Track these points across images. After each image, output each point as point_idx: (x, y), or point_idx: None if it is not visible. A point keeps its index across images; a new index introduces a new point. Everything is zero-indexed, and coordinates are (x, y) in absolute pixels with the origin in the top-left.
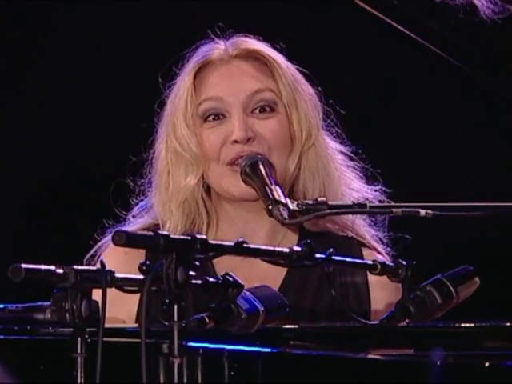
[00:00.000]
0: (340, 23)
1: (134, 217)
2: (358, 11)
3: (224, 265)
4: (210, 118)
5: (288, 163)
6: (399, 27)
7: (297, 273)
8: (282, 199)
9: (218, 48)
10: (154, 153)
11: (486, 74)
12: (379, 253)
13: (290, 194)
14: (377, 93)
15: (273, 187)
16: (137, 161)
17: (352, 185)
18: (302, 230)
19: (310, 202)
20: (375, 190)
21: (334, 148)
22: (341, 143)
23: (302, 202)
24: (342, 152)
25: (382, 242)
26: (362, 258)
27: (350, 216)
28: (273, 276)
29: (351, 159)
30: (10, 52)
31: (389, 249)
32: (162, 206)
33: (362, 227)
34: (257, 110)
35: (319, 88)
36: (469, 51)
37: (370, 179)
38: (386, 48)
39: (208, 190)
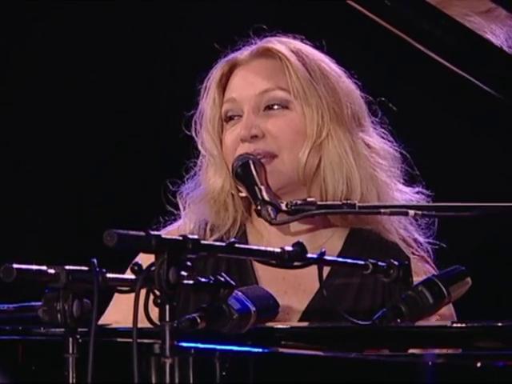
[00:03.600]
0: (335, 23)
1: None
2: (351, 11)
3: (264, 265)
4: (229, 120)
5: (299, 158)
6: (392, 28)
7: (336, 277)
8: (271, 200)
9: (247, 49)
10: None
11: (481, 76)
12: (426, 261)
13: (311, 191)
14: (369, 91)
15: (262, 187)
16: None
17: (391, 185)
18: (350, 234)
19: (299, 201)
20: (416, 193)
21: (371, 146)
22: (389, 141)
23: (290, 202)
24: (382, 151)
25: (421, 245)
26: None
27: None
28: (312, 278)
29: (402, 160)
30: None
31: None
32: (187, 203)
33: (393, 227)
34: (267, 109)
35: (360, 85)
36: (462, 52)
37: (409, 181)
38: (380, 47)
39: None
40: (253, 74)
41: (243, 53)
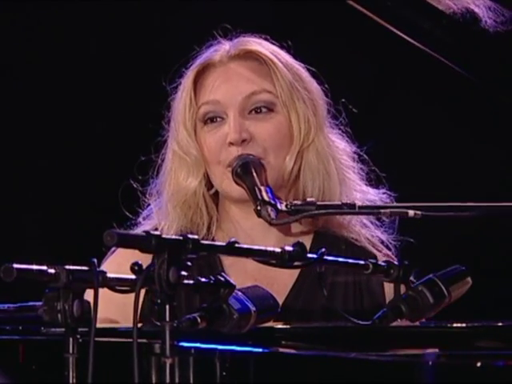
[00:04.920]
0: (333, 23)
1: (144, 219)
2: (351, 11)
3: (234, 265)
4: (209, 121)
5: (285, 162)
6: (393, 28)
7: (309, 275)
8: (271, 200)
9: (220, 49)
10: (163, 155)
11: (480, 75)
12: (391, 258)
13: (290, 193)
14: (369, 91)
15: (262, 188)
16: (146, 162)
17: (356, 187)
18: (315, 237)
19: (299, 202)
20: (383, 193)
21: (338, 148)
22: (352, 143)
23: (290, 203)
24: (348, 153)
25: (382, 243)
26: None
27: (347, 217)
28: (284, 279)
29: (361, 161)
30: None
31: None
32: (160, 206)
33: (357, 227)
34: (254, 112)
35: (326, 86)
36: (461, 52)
37: (374, 181)
38: (380, 47)
39: (217, 192)
40: (236, 76)
41: (218, 53)
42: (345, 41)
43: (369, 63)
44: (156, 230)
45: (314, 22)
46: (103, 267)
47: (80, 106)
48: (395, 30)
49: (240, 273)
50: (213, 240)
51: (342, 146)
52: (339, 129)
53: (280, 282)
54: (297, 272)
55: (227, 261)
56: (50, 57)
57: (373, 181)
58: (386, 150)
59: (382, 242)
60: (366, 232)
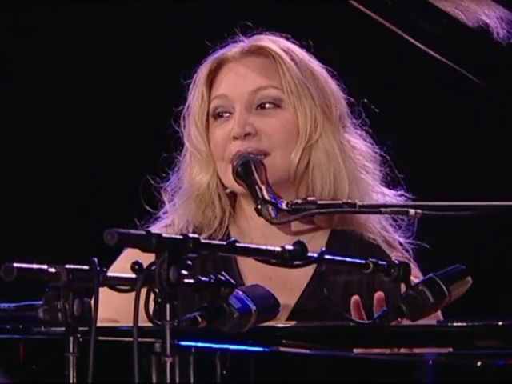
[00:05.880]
0: (334, 22)
1: (164, 213)
2: (352, 11)
3: (249, 264)
4: (218, 116)
5: (291, 158)
6: (393, 27)
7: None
8: (271, 199)
9: (237, 46)
10: (184, 151)
11: (479, 75)
12: (408, 260)
13: (299, 192)
14: (370, 91)
15: (263, 187)
16: (157, 160)
17: (373, 188)
18: (331, 235)
19: (300, 201)
20: (400, 195)
21: (354, 148)
22: (370, 143)
23: (291, 202)
24: (366, 153)
25: (401, 245)
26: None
27: (364, 215)
28: (298, 277)
29: (383, 162)
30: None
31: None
32: (174, 200)
33: (374, 227)
34: (260, 107)
35: (344, 87)
36: (461, 51)
37: (391, 183)
38: (381, 47)
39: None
40: (245, 71)
41: (232, 50)
42: (345, 41)
43: (372, 63)
44: (169, 226)
45: (314, 22)
46: (115, 265)
47: (78, 105)
48: (396, 29)
49: (255, 271)
50: (228, 236)
51: (359, 146)
52: (362, 129)
53: (293, 281)
54: (311, 271)
55: (242, 259)
56: (63, 59)
57: (389, 182)
58: (387, 150)
59: (401, 244)
60: (384, 232)
